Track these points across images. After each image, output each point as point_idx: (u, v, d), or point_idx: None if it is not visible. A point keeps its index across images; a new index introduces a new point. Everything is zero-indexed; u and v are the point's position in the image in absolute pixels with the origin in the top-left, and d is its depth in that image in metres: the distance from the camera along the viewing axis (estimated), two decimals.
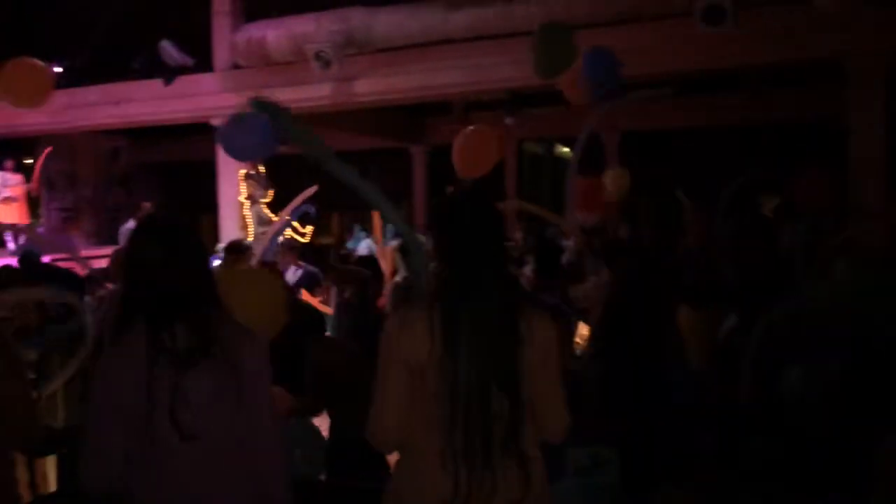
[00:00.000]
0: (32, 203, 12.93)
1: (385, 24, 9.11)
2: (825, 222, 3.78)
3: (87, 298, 6.16)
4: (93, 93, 10.80)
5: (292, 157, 12.20)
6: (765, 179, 8.57)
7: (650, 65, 8.13)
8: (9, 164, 12.30)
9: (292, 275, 7.09)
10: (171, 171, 16.03)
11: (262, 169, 10.49)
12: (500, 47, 8.45)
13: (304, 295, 6.42)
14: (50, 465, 3.68)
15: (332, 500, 3.43)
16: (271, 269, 5.47)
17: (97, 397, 1.99)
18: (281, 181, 10.50)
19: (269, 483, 2.05)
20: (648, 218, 3.90)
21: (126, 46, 10.73)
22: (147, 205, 11.51)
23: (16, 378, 2.41)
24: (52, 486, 3.68)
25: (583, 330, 5.56)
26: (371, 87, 9.44)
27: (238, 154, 6.39)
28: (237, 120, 4.36)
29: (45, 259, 8.25)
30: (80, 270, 6.58)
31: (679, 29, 7.78)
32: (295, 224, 9.66)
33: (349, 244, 10.73)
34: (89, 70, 10.63)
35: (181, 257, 2.03)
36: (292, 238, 9.03)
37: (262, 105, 3.67)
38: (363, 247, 9.27)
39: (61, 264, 8.05)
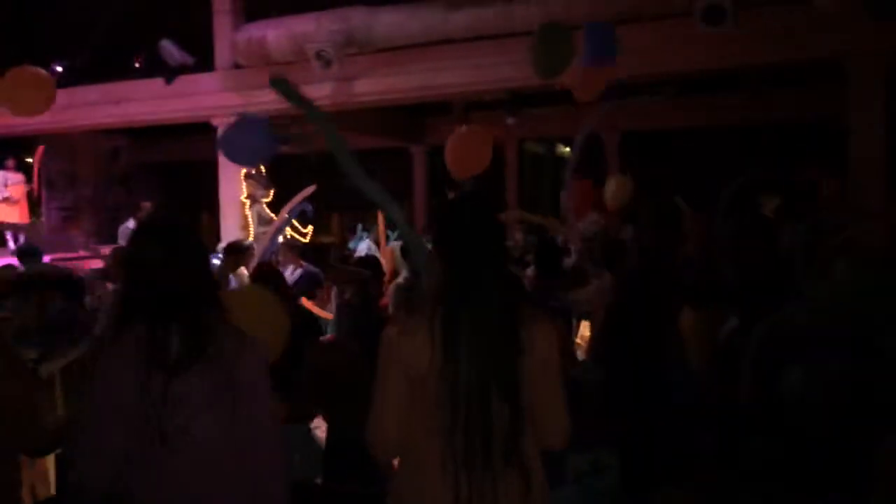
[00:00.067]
0: (32, 203, 12.94)
1: (385, 23, 9.11)
2: (825, 222, 3.77)
3: (87, 298, 6.17)
4: (93, 92, 10.80)
5: (293, 156, 12.26)
6: (765, 179, 8.58)
7: (650, 65, 8.14)
8: (10, 162, 12.31)
9: (291, 274, 7.09)
10: (172, 171, 16.03)
11: (262, 169, 10.50)
12: (500, 47, 8.46)
13: (304, 301, 6.42)
14: (49, 464, 3.68)
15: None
16: (270, 268, 5.46)
17: (96, 397, 1.99)
18: (281, 181, 10.51)
19: (268, 483, 2.05)
20: (649, 220, 3.90)
21: (126, 46, 10.73)
22: (147, 204, 11.51)
23: (16, 378, 2.41)
24: (52, 486, 3.68)
25: (584, 331, 5.58)
26: (371, 86, 9.44)
27: (238, 157, 6.42)
28: (236, 124, 4.35)
29: (45, 258, 8.26)
30: (82, 269, 6.57)
31: (679, 29, 7.78)
32: (295, 223, 9.67)
33: (351, 244, 10.72)
34: (89, 70, 10.63)
35: (181, 257, 2.03)
36: (293, 237, 9.04)
37: (279, 83, 3.67)
38: (363, 247, 9.27)
39: (61, 264, 8.07)
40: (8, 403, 2.33)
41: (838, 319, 2.33)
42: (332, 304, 6.18)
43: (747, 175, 7.39)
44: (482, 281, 2.01)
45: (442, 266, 2.06)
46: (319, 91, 9.42)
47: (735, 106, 11.91)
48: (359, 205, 5.98)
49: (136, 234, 2.12)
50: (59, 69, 10.37)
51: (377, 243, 9.07)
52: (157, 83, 9.91)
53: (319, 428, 4.12)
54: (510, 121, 12.08)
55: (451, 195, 9.79)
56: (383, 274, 6.28)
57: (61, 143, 13.51)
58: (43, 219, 13.73)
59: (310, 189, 8.00)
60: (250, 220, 10.32)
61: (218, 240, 9.86)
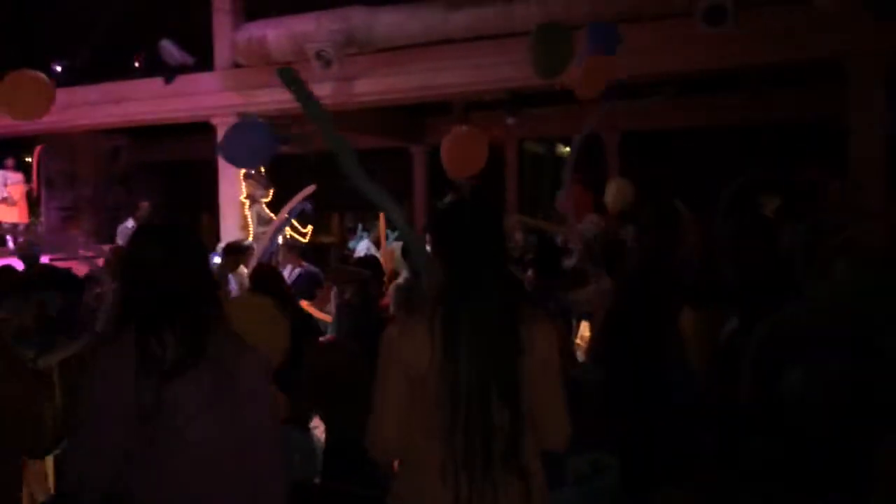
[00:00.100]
0: (32, 202, 12.94)
1: (385, 23, 9.11)
2: (825, 222, 3.78)
3: (87, 298, 6.16)
4: (93, 92, 10.80)
5: (292, 156, 12.25)
6: (765, 179, 8.58)
7: (650, 65, 8.14)
8: (9, 162, 12.31)
9: (290, 274, 7.08)
10: (172, 171, 16.03)
11: (262, 169, 10.49)
12: (501, 47, 8.46)
13: (303, 303, 6.43)
14: (48, 466, 3.67)
15: None
16: (270, 269, 5.46)
17: (95, 397, 1.99)
18: (281, 181, 10.50)
19: (268, 484, 2.05)
20: (649, 220, 3.90)
21: (126, 46, 10.73)
22: (145, 204, 11.49)
23: (16, 379, 2.41)
24: (51, 487, 3.68)
25: (584, 331, 5.58)
26: (371, 86, 9.44)
27: (237, 160, 6.42)
28: (235, 126, 4.35)
29: (44, 259, 8.27)
30: (81, 268, 6.57)
31: (679, 29, 7.78)
32: (295, 223, 9.66)
33: (351, 244, 10.71)
34: (89, 69, 10.63)
35: (181, 258, 2.03)
36: (293, 238, 9.03)
37: (286, 74, 3.66)
38: (362, 247, 9.26)
39: (59, 263, 8.06)
40: (8, 404, 2.33)
41: (838, 319, 2.33)
42: (332, 305, 6.17)
43: (747, 175, 7.39)
44: (482, 281, 2.01)
45: (442, 266, 2.06)
46: (319, 91, 9.36)
47: (735, 106, 11.91)
48: (359, 205, 5.97)
49: (136, 234, 2.13)
50: (59, 69, 10.37)
51: (377, 243, 9.07)
52: (157, 83, 9.91)
53: (318, 428, 4.12)
54: (510, 121, 12.07)
55: (450, 196, 9.79)
56: (383, 274, 6.28)
57: (61, 143, 13.51)
58: (42, 218, 13.72)
59: (309, 189, 8.00)
60: (250, 220, 10.32)
61: (218, 240, 9.86)
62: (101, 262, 7.35)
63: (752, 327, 2.72)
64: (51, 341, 3.74)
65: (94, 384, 2.00)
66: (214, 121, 10.23)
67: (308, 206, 8.57)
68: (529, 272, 5.30)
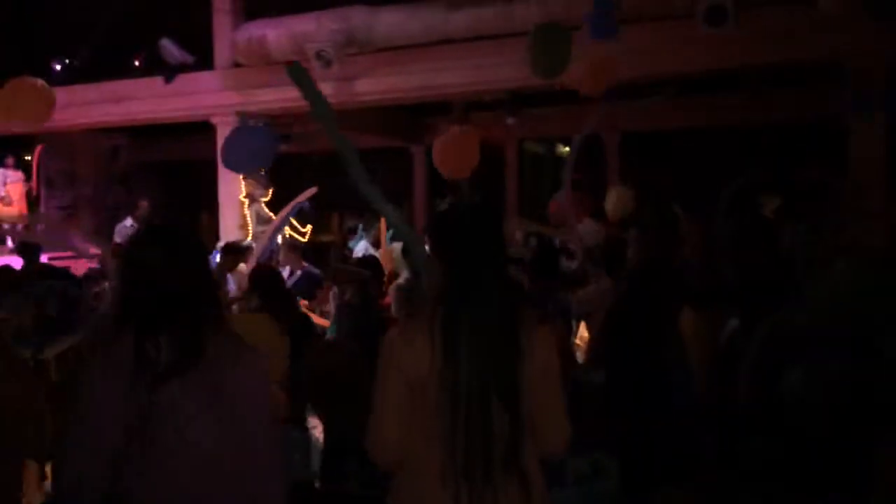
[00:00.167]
0: (31, 201, 12.92)
1: (386, 23, 9.10)
2: (825, 222, 3.78)
3: (85, 297, 6.16)
4: (92, 91, 10.79)
5: (293, 155, 12.23)
6: (765, 180, 8.57)
7: (651, 65, 8.13)
8: (9, 161, 12.31)
9: (290, 276, 7.06)
10: (171, 170, 16.02)
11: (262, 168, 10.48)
12: (501, 47, 8.45)
13: (303, 303, 6.43)
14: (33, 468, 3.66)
15: None
16: (269, 270, 5.44)
17: (92, 397, 1.98)
18: (281, 180, 10.49)
19: (268, 484, 2.04)
20: (650, 221, 3.91)
21: (126, 45, 10.72)
22: (144, 203, 11.48)
23: (16, 379, 2.41)
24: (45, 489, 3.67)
25: (583, 332, 5.58)
26: (372, 86, 9.42)
27: (238, 165, 6.41)
28: (236, 130, 4.35)
29: (43, 258, 8.26)
30: (80, 268, 6.58)
31: (680, 30, 7.78)
32: (294, 222, 9.65)
33: (350, 244, 10.70)
34: (89, 69, 10.62)
35: (181, 258, 2.03)
36: (294, 238, 9.02)
37: (294, 71, 3.66)
38: (360, 247, 9.25)
39: (59, 263, 8.06)
40: (8, 404, 2.32)
41: (838, 319, 2.33)
42: (332, 305, 6.17)
43: (747, 175, 7.39)
44: (482, 283, 2.01)
45: (442, 269, 2.06)
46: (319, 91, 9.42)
47: (735, 106, 11.90)
48: (359, 204, 5.97)
49: (136, 234, 2.13)
50: (59, 68, 10.36)
51: (376, 244, 9.06)
52: (157, 82, 9.89)
53: (317, 428, 4.12)
54: (510, 121, 12.06)
55: (450, 196, 9.79)
56: (383, 274, 6.28)
57: (61, 142, 13.50)
58: (42, 217, 13.70)
59: (311, 191, 7.98)
60: (249, 219, 10.31)
61: (217, 239, 9.85)
62: (96, 262, 7.35)
63: (752, 328, 2.72)
64: (50, 341, 3.75)
65: (92, 384, 2.00)
66: (214, 120, 10.22)
67: (307, 205, 8.57)
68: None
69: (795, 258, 3.13)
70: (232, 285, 6.93)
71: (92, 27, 10.41)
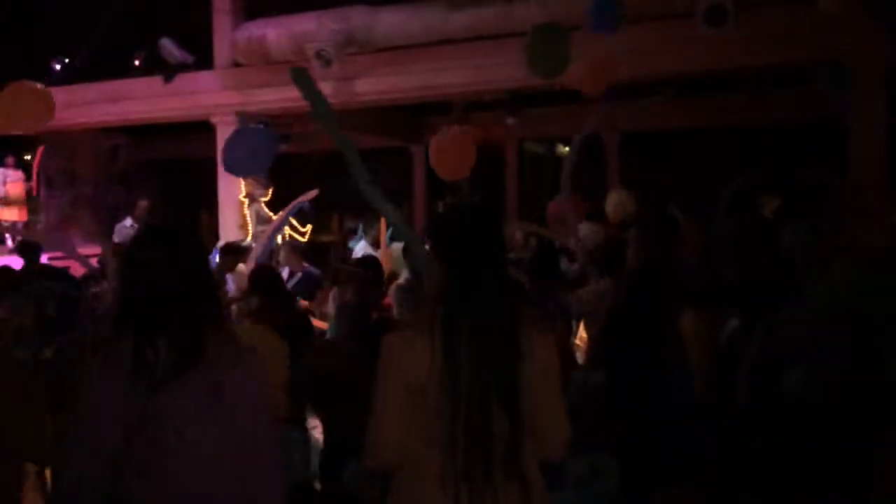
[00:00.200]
0: (31, 201, 12.92)
1: (386, 23, 9.10)
2: (825, 222, 3.77)
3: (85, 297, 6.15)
4: (92, 90, 10.79)
5: (293, 155, 12.23)
6: (765, 180, 8.57)
7: (651, 65, 8.13)
8: (9, 160, 12.30)
9: (287, 275, 7.04)
10: (171, 169, 16.02)
11: None
12: (501, 47, 8.45)
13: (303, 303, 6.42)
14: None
15: None
16: (269, 272, 5.43)
17: (92, 398, 1.98)
18: (281, 180, 10.49)
19: (268, 484, 2.04)
20: (650, 221, 3.91)
21: (126, 45, 10.72)
22: (144, 203, 11.47)
23: (16, 379, 2.41)
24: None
25: (582, 332, 5.57)
26: (372, 86, 9.43)
27: (238, 170, 6.40)
28: (236, 134, 4.35)
29: (43, 258, 8.25)
30: (80, 268, 6.57)
31: (680, 30, 7.78)
32: (294, 222, 9.64)
33: (351, 244, 10.71)
34: (89, 68, 10.61)
35: (181, 259, 2.03)
36: (294, 239, 9.01)
37: (298, 74, 3.66)
38: (359, 248, 9.24)
39: (58, 263, 8.06)
40: (8, 403, 2.33)
41: (838, 319, 2.32)
42: (331, 306, 6.15)
43: (747, 175, 7.38)
44: (482, 284, 2.01)
45: (442, 270, 2.06)
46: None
47: (735, 106, 11.91)
48: (359, 204, 5.96)
49: (137, 235, 2.13)
50: (58, 67, 10.35)
51: (376, 244, 9.06)
52: (157, 81, 9.90)
53: (316, 428, 4.12)
54: (510, 121, 12.06)
55: (449, 196, 9.78)
56: (383, 274, 6.26)
57: (60, 142, 13.49)
58: (42, 217, 13.71)
59: (312, 193, 7.97)
60: (249, 218, 10.31)
61: (217, 238, 9.85)
62: (95, 261, 7.34)
63: (752, 328, 2.71)
64: (49, 342, 3.75)
65: (92, 384, 2.00)
66: (214, 120, 10.22)
67: (307, 206, 8.57)
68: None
69: (795, 258, 3.12)
70: (231, 285, 6.92)
71: (92, 27, 10.41)
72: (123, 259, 2.09)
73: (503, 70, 8.48)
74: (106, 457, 1.94)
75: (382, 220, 8.88)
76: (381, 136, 13.70)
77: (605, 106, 7.23)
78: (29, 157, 13.09)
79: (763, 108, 11.64)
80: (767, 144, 12.55)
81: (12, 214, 12.19)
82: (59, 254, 9.66)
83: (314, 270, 7.31)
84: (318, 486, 3.87)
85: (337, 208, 14.18)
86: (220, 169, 10.32)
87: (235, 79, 10.00)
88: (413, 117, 14.00)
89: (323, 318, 6.56)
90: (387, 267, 7.37)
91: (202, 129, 10.68)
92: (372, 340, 2.19)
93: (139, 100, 10.59)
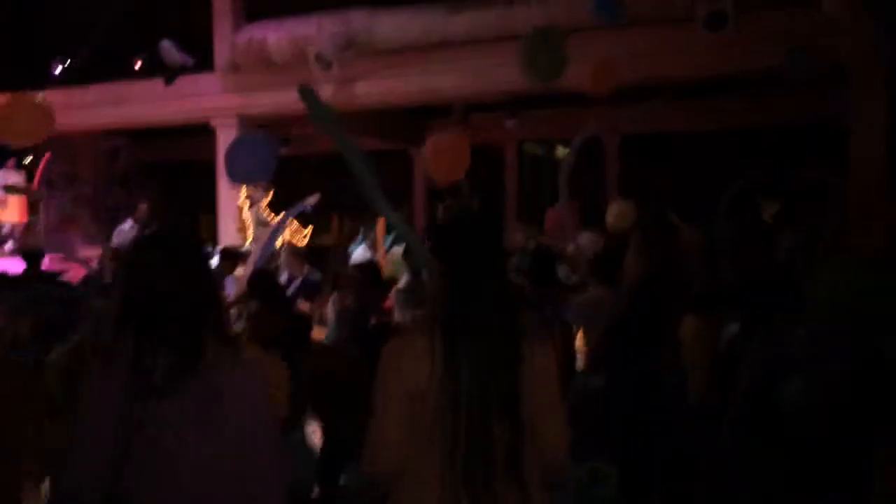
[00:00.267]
0: (32, 204, 12.91)
1: (386, 26, 9.10)
2: (826, 224, 3.78)
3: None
4: (92, 93, 10.78)
5: (293, 158, 12.22)
6: (764, 182, 8.57)
7: (651, 68, 8.13)
8: (9, 162, 12.29)
9: (286, 280, 7.03)
10: (171, 171, 16.01)
11: None
12: (501, 50, 8.45)
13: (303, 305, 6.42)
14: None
15: None
16: (268, 278, 5.42)
17: (92, 399, 1.99)
18: (281, 182, 10.49)
19: (268, 487, 2.03)
20: (653, 226, 3.92)
21: (126, 47, 10.71)
22: (144, 206, 11.45)
23: (13, 378, 2.40)
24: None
25: (580, 339, 5.56)
26: (371, 89, 9.43)
27: (239, 178, 6.39)
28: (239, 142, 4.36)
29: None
30: (81, 269, 6.57)
31: (681, 33, 7.78)
32: (295, 224, 9.63)
33: (351, 248, 10.70)
34: (89, 70, 10.61)
35: (181, 261, 2.04)
36: (295, 244, 8.97)
37: (306, 93, 3.68)
38: (358, 252, 9.23)
39: (58, 265, 8.06)
40: (8, 403, 2.33)
41: (838, 320, 2.32)
42: (330, 310, 6.14)
43: (746, 179, 7.39)
44: (482, 291, 2.00)
45: (441, 278, 2.05)
46: (319, 93, 9.41)
47: (735, 109, 11.91)
48: (359, 206, 5.97)
49: (137, 241, 2.14)
50: (58, 70, 10.35)
51: (374, 247, 9.05)
52: (157, 84, 9.89)
53: (314, 433, 4.11)
54: (510, 123, 12.06)
55: (449, 199, 9.77)
56: (382, 278, 6.25)
57: (61, 144, 13.49)
58: (41, 218, 13.70)
59: (313, 198, 7.96)
60: (249, 221, 10.30)
61: (216, 241, 9.84)
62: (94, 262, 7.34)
63: (752, 332, 2.71)
64: (47, 350, 3.73)
65: (92, 386, 2.01)
66: (214, 123, 10.22)
67: (307, 207, 8.56)
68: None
69: (796, 259, 3.12)
70: (230, 289, 6.92)
71: (92, 27, 10.40)
72: (124, 262, 2.09)
73: (503, 73, 8.47)
74: (105, 457, 1.93)
75: (379, 224, 8.89)
76: (381, 138, 13.70)
77: (604, 111, 7.23)
78: (28, 160, 13.07)
79: (763, 111, 11.65)
80: (767, 147, 12.55)
81: (12, 216, 12.17)
82: (58, 255, 9.67)
83: (314, 275, 7.30)
84: (316, 489, 3.87)
85: (336, 210, 14.19)
86: (221, 171, 10.35)
87: (236, 81, 10.00)
88: (413, 119, 13.99)
89: (322, 323, 6.55)
90: (386, 271, 7.37)
91: (202, 131, 10.68)
92: (372, 344, 2.19)
93: (139, 102, 10.59)
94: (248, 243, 9.72)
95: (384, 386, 2.01)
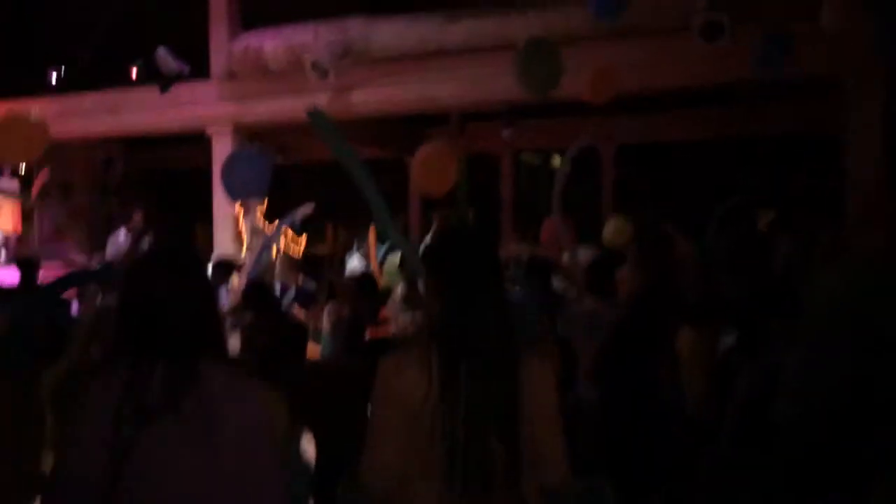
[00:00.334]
0: (25, 212, 12.86)
1: (383, 34, 9.10)
2: (822, 231, 3.77)
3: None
4: (87, 101, 10.76)
5: (289, 167, 12.20)
6: (760, 192, 8.59)
7: (647, 78, 8.13)
8: (5, 171, 12.26)
9: (281, 290, 7.01)
10: (166, 180, 15.99)
11: None
12: (499, 59, 8.45)
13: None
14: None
15: None
16: (262, 290, 5.40)
17: (83, 422, 1.96)
18: (276, 191, 10.46)
19: (269, 485, 1.99)
20: (650, 238, 3.91)
21: (121, 55, 10.69)
22: (138, 215, 11.41)
23: (12, 377, 2.38)
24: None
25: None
26: (368, 97, 9.42)
27: (236, 190, 6.38)
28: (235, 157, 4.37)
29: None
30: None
31: (677, 43, 7.79)
32: (290, 233, 9.60)
33: (347, 258, 10.68)
34: (85, 78, 10.59)
35: (182, 283, 2.01)
36: (290, 254, 8.94)
37: (315, 116, 3.68)
38: (353, 263, 9.20)
39: (52, 273, 8.01)
40: (7, 403, 2.31)
41: (838, 320, 2.32)
42: (325, 321, 6.12)
43: (742, 193, 7.40)
44: (478, 309, 1.98)
45: (437, 296, 2.03)
46: (316, 101, 9.40)
47: (731, 118, 11.94)
48: (354, 215, 5.97)
49: (138, 260, 2.12)
50: (54, 77, 10.33)
51: (367, 257, 9.03)
52: (152, 92, 9.87)
53: (309, 445, 4.07)
54: (506, 132, 12.07)
55: (444, 208, 9.77)
56: (377, 291, 6.23)
57: (55, 152, 13.45)
58: (35, 227, 13.66)
59: (308, 208, 7.95)
60: (244, 230, 10.27)
61: (211, 250, 9.80)
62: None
63: (749, 341, 2.70)
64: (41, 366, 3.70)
65: (84, 407, 1.97)
66: (210, 131, 10.19)
67: (299, 218, 8.54)
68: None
69: (793, 265, 3.11)
70: (224, 300, 6.89)
71: (90, 31, 10.39)
72: (124, 280, 2.06)
73: (500, 82, 8.46)
74: (95, 480, 1.90)
75: (371, 234, 8.87)
76: (377, 147, 13.69)
77: (602, 119, 7.23)
78: (24, 168, 13.03)
79: (759, 120, 11.68)
80: (763, 156, 12.58)
81: (6, 225, 12.13)
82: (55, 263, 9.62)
83: (309, 284, 7.28)
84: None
85: (331, 219, 14.17)
86: (216, 180, 10.31)
87: (232, 90, 9.98)
88: (409, 128, 14.00)
89: (316, 333, 6.52)
90: (381, 281, 7.35)
91: (198, 139, 10.65)
92: (366, 357, 2.17)
93: (135, 111, 10.55)
94: (243, 252, 9.68)
95: (380, 402, 1.99)
